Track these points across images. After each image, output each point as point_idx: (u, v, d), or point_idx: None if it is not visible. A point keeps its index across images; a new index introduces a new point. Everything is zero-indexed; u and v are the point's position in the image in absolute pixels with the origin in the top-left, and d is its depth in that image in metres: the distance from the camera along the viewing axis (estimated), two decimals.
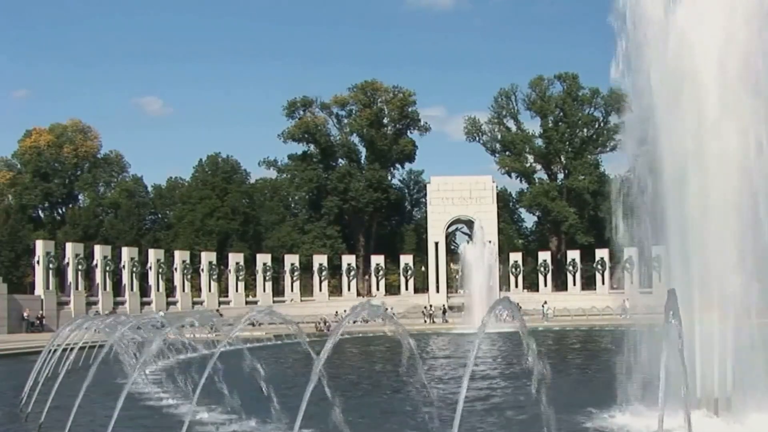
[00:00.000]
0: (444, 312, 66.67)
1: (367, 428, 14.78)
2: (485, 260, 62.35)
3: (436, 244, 77.36)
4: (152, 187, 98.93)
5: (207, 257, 73.91)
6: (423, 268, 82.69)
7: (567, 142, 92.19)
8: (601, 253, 75.13)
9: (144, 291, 70.07)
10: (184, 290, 71.48)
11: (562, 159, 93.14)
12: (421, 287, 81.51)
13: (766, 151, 14.14)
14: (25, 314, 56.25)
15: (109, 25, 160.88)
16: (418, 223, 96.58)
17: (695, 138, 14.48)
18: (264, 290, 75.59)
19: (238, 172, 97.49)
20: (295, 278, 77.10)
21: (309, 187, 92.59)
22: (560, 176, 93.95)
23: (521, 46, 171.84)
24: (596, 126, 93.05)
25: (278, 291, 78.07)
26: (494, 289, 62.66)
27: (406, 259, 79.72)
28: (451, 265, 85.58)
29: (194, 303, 71.49)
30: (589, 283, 78.53)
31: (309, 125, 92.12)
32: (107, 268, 66.25)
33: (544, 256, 79.72)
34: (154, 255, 70.79)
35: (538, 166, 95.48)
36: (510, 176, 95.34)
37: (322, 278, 78.00)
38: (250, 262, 78.00)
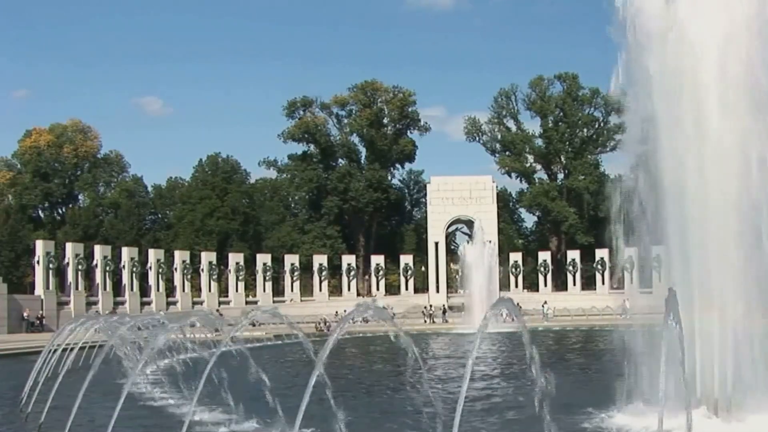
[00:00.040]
0: (444, 312, 66.66)
1: (367, 428, 14.79)
2: (485, 260, 62.38)
3: (436, 244, 77.36)
4: (152, 187, 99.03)
5: (207, 257, 73.92)
6: (423, 268, 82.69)
7: (567, 142, 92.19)
8: (601, 253, 75.11)
9: (144, 291, 70.08)
10: (184, 290, 71.49)
11: (562, 159, 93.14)
12: (421, 287, 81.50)
13: (766, 151, 14.16)
14: (25, 314, 56.26)
15: (109, 25, 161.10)
16: (418, 223, 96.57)
17: (695, 138, 14.50)
18: (264, 290, 75.60)
19: (238, 172, 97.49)
20: (295, 278, 77.11)
21: (309, 187, 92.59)
22: (560, 176, 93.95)
23: (521, 46, 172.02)
24: (596, 126, 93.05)
25: (278, 291, 78.07)
26: (494, 289, 62.66)
27: (406, 259, 79.73)
28: (451, 265, 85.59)
29: (194, 303, 71.48)
30: (589, 283, 78.53)
31: (309, 125, 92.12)
32: (107, 268, 66.26)
33: (544, 256, 79.73)
34: (154, 255, 70.80)
35: (538, 166, 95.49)
36: (510, 176, 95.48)
37: (322, 278, 78.01)
38: (250, 262, 78.00)
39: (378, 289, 79.31)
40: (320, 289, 77.66)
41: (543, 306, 65.61)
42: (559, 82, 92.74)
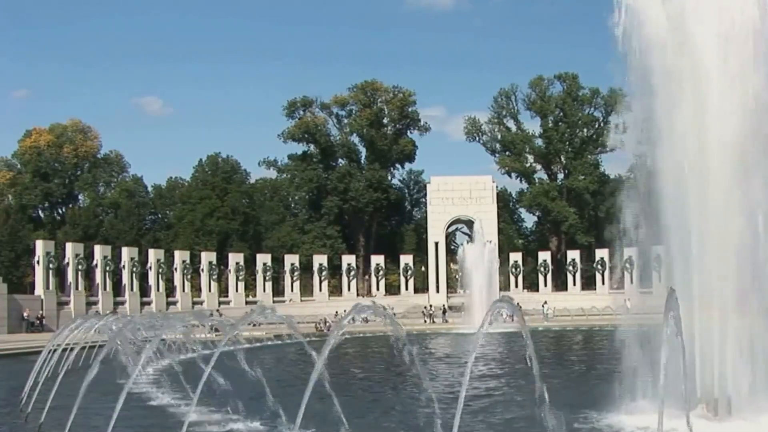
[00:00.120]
0: (444, 312, 66.64)
1: (367, 428, 14.78)
2: (485, 260, 62.35)
3: (436, 244, 77.36)
4: (152, 187, 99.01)
5: (207, 257, 73.92)
6: (423, 268, 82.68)
7: (567, 142, 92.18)
8: (601, 253, 75.14)
9: (144, 291, 70.06)
10: (184, 290, 71.49)
11: (562, 159, 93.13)
12: (421, 287, 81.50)
13: (766, 150, 14.16)
14: (25, 314, 56.25)
15: (109, 25, 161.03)
16: (418, 223, 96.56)
17: (695, 137, 14.50)
18: (264, 290, 75.59)
19: (238, 172, 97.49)
20: (295, 278, 77.10)
21: (309, 187, 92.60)
22: (560, 176, 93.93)
23: (521, 46, 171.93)
24: (596, 126, 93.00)
25: (278, 291, 78.07)
26: (494, 290, 62.62)
27: (406, 259, 79.73)
28: (451, 265, 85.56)
29: (194, 303, 71.48)
30: (589, 283, 78.52)
31: (309, 125, 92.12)
32: (107, 268, 66.25)
33: (544, 256, 79.72)
34: (154, 255, 70.80)
35: (538, 166, 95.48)
36: (510, 176, 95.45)
37: (322, 278, 78.01)
38: (250, 262, 77.99)
39: (378, 289, 79.30)
40: (320, 289, 77.65)
41: (543, 306, 65.59)
42: (559, 82, 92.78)
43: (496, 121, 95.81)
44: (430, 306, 68.86)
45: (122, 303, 65.78)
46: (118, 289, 67.63)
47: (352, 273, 79.85)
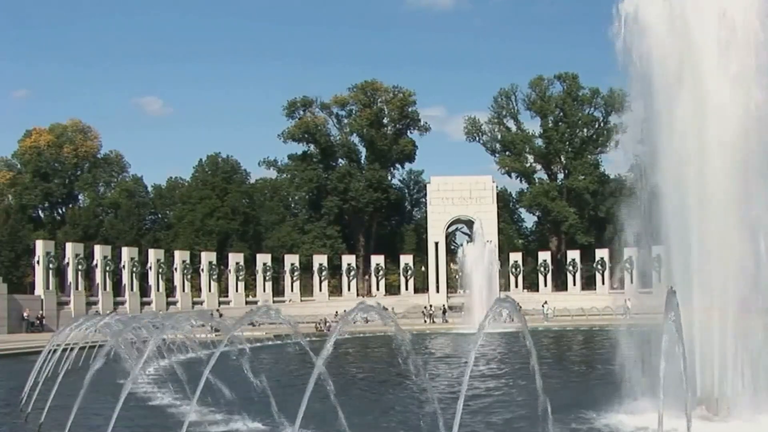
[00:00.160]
0: (444, 312, 66.65)
1: (367, 427, 14.78)
2: (485, 260, 62.33)
3: (436, 244, 77.37)
4: (152, 187, 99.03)
5: (207, 257, 73.92)
6: (423, 268, 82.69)
7: (567, 142, 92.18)
8: (601, 253, 75.15)
9: (144, 291, 70.06)
10: (184, 290, 71.48)
11: (562, 159, 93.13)
12: (421, 287, 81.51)
13: (766, 150, 14.16)
14: (25, 314, 56.25)
15: (109, 25, 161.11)
16: (418, 223, 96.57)
17: (695, 137, 14.50)
18: (264, 290, 75.59)
19: (238, 172, 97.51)
20: (295, 278, 77.10)
21: (309, 187, 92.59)
22: (560, 176, 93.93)
23: (521, 46, 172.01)
24: (596, 126, 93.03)
25: (278, 291, 78.07)
26: (494, 290, 62.61)
27: (406, 259, 79.73)
28: (451, 265, 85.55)
29: (194, 303, 71.48)
30: (589, 283, 78.52)
31: (309, 125, 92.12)
32: (107, 268, 66.25)
33: (544, 256, 79.72)
34: (154, 255, 70.80)
35: (538, 166, 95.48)
36: (510, 176, 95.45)
37: (322, 278, 78.01)
38: (250, 262, 77.99)
39: (378, 289, 79.30)
40: (320, 289, 77.65)
41: (543, 306, 65.59)
42: (559, 82, 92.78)
43: (496, 121, 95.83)
44: (430, 306, 68.87)
45: (122, 303, 65.77)
46: (118, 289, 67.63)
47: (352, 273, 79.85)
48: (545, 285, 78.41)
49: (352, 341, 43.26)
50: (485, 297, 56.45)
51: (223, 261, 77.42)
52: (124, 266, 67.57)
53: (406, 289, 79.10)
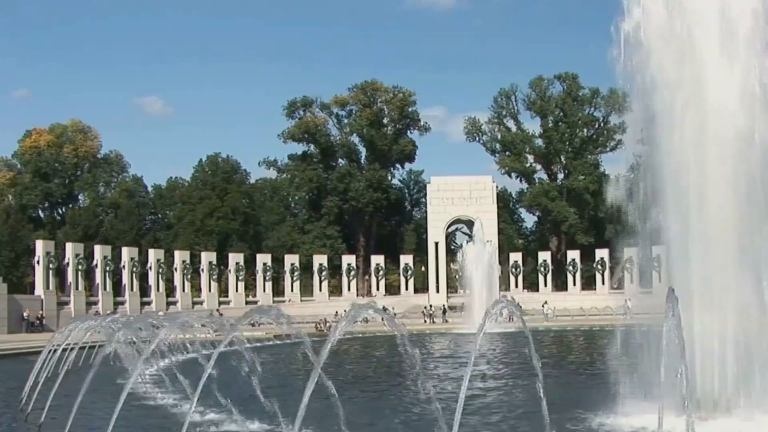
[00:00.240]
0: (444, 312, 66.65)
1: (367, 428, 14.78)
2: (485, 260, 62.30)
3: (436, 244, 77.35)
4: (152, 187, 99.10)
5: (207, 257, 73.92)
6: (423, 268, 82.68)
7: (567, 142, 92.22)
8: (601, 253, 75.17)
9: (144, 291, 70.08)
10: (184, 290, 71.50)
11: (562, 159, 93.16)
12: (421, 287, 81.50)
13: (765, 150, 14.16)
14: (25, 314, 56.25)
15: (109, 25, 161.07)
16: (418, 223, 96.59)
17: (695, 137, 14.50)
18: (264, 290, 75.60)
19: (238, 172, 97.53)
20: (295, 278, 77.10)
21: (309, 187, 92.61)
22: (560, 176, 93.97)
23: (521, 46, 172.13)
24: (596, 126, 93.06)
25: (278, 291, 78.08)
26: (494, 290, 62.59)
27: (406, 259, 79.72)
28: (451, 265, 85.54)
29: (194, 303, 71.50)
30: (589, 283, 78.55)
31: (309, 125, 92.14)
32: (107, 268, 66.26)
33: (544, 256, 79.73)
34: (154, 255, 70.81)
35: (538, 166, 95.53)
36: (510, 176, 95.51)
37: (322, 278, 78.01)
38: (250, 262, 78.00)
39: (378, 289, 79.28)
40: (320, 289, 77.65)
41: (543, 306, 65.60)
42: (559, 82, 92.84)
43: (496, 121, 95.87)
44: (430, 306, 68.87)
45: (122, 303, 65.80)
46: (118, 289, 67.65)
47: (352, 273, 79.85)
48: (545, 285, 78.42)
49: (352, 341, 43.22)
50: (485, 297, 56.41)
51: (223, 261, 77.43)
52: (124, 266, 67.58)
53: (406, 289, 79.09)
